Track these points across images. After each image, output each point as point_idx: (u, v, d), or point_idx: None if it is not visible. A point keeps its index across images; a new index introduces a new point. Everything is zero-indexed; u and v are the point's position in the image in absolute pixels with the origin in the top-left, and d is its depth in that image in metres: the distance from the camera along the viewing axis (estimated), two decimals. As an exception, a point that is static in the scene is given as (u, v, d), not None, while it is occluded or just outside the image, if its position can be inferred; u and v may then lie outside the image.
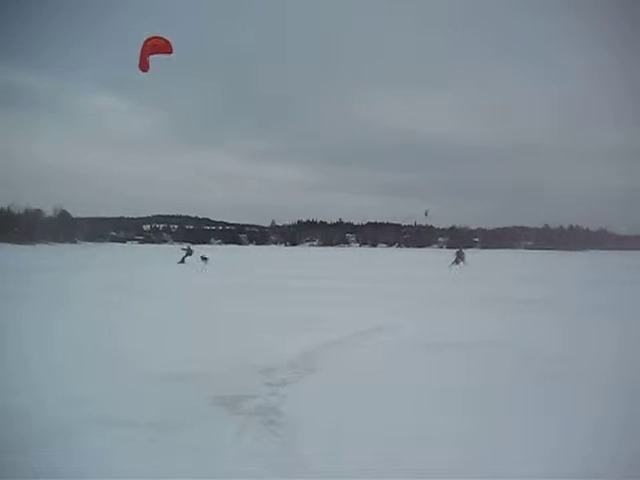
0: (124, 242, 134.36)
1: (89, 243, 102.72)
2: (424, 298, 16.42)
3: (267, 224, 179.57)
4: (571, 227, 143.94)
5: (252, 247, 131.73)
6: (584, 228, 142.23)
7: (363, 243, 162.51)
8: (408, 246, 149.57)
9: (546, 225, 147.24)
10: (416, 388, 6.35)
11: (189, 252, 33.96)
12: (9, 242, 73.00)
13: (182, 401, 5.77)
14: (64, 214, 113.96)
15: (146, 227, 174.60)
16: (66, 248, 75.99)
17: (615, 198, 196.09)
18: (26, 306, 13.01)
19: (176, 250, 34.29)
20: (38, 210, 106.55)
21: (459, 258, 37.30)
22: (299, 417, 5.28)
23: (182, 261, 33.18)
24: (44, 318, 11.21)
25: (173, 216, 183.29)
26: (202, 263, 29.68)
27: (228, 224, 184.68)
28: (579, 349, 8.78)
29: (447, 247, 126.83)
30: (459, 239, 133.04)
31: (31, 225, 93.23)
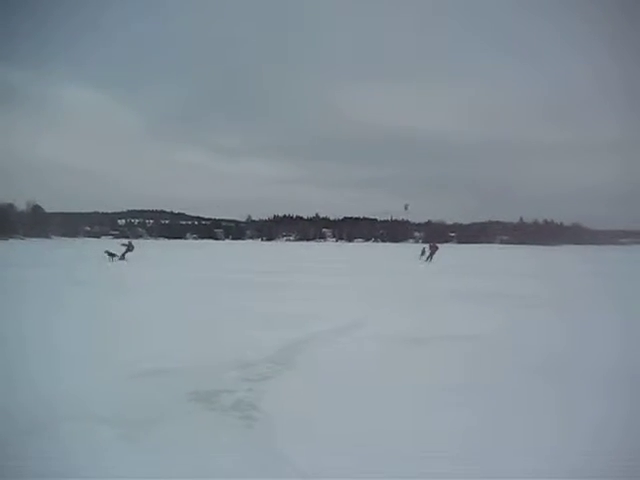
0: (99, 237, 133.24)
1: (63, 238, 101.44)
2: (401, 293, 16.43)
3: (243, 219, 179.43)
4: (546, 222, 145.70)
5: (228, 242, 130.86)
6: (558, 223, 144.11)
7: (339, 238, 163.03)
8: (384, 241, 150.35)
9: (521, 219, 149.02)
10: (396, 383, 6.34)
11: (130, 248, 32.15)
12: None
13: (157, 398, 5.69)
14: (37, 209, 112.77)
15: (121, 222, 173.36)
16: (38, 243, 74.78)
17: (588, 193, 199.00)
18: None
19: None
20: (10, 205, 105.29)
21: (430, 252, 37.53)
22: (276, 412, 5.23)
23: (122, 257, 31.22)
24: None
25: (148, 211, 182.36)
26: (116, 258, 29.96)
27: (204, 219, 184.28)
28: (562, 342, 8.85)
29: (423, 242, 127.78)
30: (435, 234, 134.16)
31: (4, 220, 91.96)
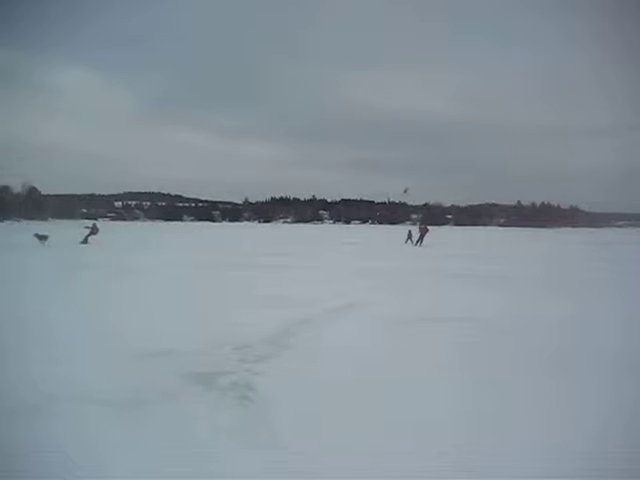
0: (96, 219, 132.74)
1: (59, 220, 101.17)
2: (398, 274, 16.42)
3: (240, 201, 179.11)
4: (543, 204, 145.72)
5: (224, 224, 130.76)
6: (555, 205, 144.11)
7: (337, 220, 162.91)
8: (381, 223, 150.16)
9: (518, 202, 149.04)
10: (392, 364, 6.31)
11: (93, 231, 30.09)
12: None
13: (155, 378, 5.64)
14: (33, 191, 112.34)
15: (118, 204, 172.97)
16: (33, 225, 74.61)
17: (586, 176, 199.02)
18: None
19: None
20: (6, 187, 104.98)
21: (420, 234, 35.01)
22: (273, 393, 5.19)
23: (85, 241, 29.17)
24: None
25: (145, 193, 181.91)
26: (45, 242, 27.66)
27: (201, 201, 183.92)
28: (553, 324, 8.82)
29: (420, 224, 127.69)
30: (432, 216, 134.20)
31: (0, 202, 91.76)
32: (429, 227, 36.83)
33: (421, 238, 34.65)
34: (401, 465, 3.81)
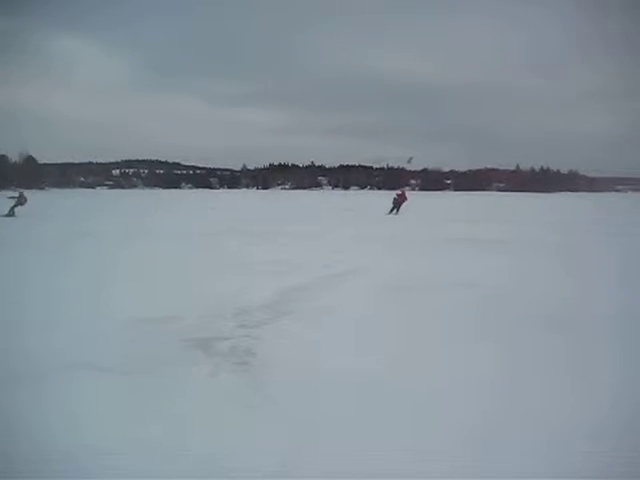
0: (93, 188, 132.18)
1: (57, 189, 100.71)
2: (394, 240, 16.44)
3: (238, 168, 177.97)
4: (542, 169, 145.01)
5: (223, 190, 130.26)
6: (555, 170, 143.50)
7: (335, 186, 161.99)
8: (380, 188, 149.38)
9: (517, 167, 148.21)
10: (390, 330, 6.39)
11: (20, 201, 26.44)
12: (-27, 188, 71.54)
13: (154, 344, 5.73)
14: (30, 160, 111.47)
15: (115, 172, 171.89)
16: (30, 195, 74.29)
17: (585, 140, 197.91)
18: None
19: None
20: (3, 156, 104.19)
21: (397, 202, 30.65)
22: (272, 358, 5.27)
23: (10, 213, 25.26)
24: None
25: (143, 161, 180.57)
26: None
27: (199, 168, 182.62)
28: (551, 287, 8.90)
29: (419, 189, 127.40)
30: (431, 181, 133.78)
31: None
32: (407, 193, 32.16)
33: (397, 206, 30.55)
34: (403, 430, 3.90)
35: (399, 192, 31.52)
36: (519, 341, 5.87)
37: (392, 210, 30.43)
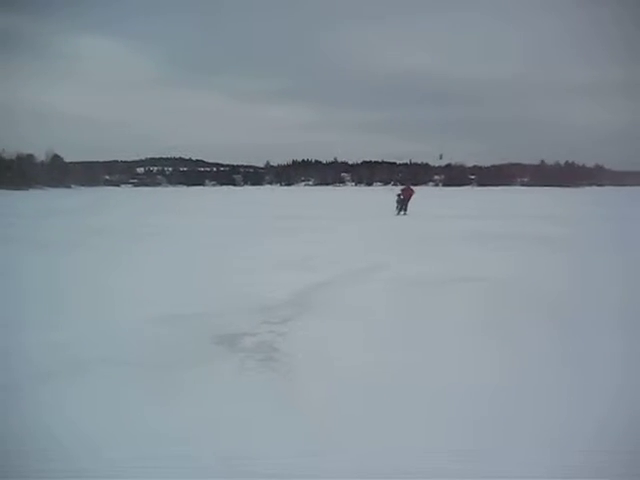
0: (118, 186, 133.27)
1: (83, 187, 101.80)
2: (420, 235, 16.38)
3: (262, 164, 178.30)
4: (567, 163, 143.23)
5: (246, 187, 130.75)
6: (580, 164, 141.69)
7: (358, 182, 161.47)
8: (403, 184, 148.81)
9: (542, 161, 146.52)
10: (416, 325, 6.39)
11: None
12: (2, 187, 72.52)
13: (181, 341, 5.79)
14: (57, 158, 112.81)
15: (140, 170, 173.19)
16: (57, 192, 75.17)
17: (611, 134, 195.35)
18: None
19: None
20: (30, 155, 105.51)
21: (402, 199, 26.65)
22: (297, 353, 5.30)
23: None
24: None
25: (167, 158, 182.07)
26: None
27: (222, 165, 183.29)
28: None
29: (443, 185, 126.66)
30: (454, 177, 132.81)
31: (24, 170, 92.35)
32: (414, 187, 27.83)
33: (404, 205, 26.50)
34: (422, 423, 3.91)
35: (403, 187, 27.60)
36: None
37: (399, 210, 26.37)
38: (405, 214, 25.91)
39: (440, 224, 20.71)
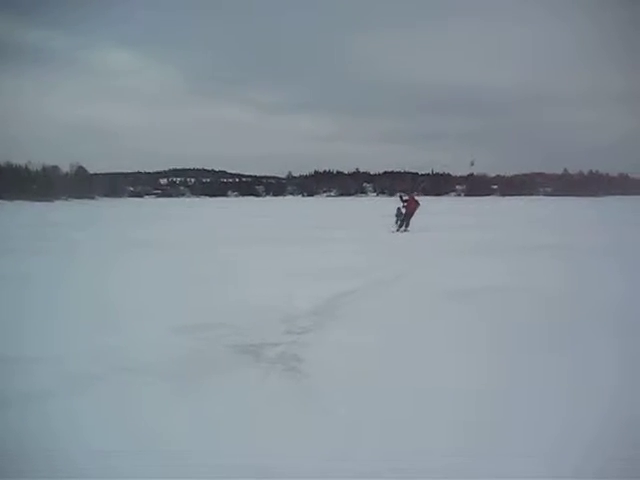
0: (142, 197, 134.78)
1: (107, 199, 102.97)
2: (444, 247, 16.31)
3: (284, 175, 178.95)
4: (591, 172, 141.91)
5: (268, 198, 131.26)
6: (604, 173, 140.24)
7: (380, 192, 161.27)
8: (426, 194, 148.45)
9: (565, 170, 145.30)
10: (440, 334, 6.36)
11: None
12: (28, 199, 73.58)
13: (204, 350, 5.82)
14: (81, 170, 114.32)
15: (163, 181, 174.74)
16: (79, 204, 76.07)
17: (636, 142, 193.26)
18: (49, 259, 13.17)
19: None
20: (55, 167, 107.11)
21: (404, 213, 22.79)
22: (321, 363, 5.30)
23: None
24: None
25: (190, 169, 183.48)
26: None
27: (244, 176, 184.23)
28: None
29: (465, 195, 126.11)
30: (477, 187, 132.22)
31: (49, 182, 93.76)
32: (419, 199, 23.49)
33: (406, 219, 22.65)
34: (446, 430, 3.89)
35: (406, 197, 23.28)
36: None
37: (399, 225, 22.68)
38: (407, 230, 22.27)
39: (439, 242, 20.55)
